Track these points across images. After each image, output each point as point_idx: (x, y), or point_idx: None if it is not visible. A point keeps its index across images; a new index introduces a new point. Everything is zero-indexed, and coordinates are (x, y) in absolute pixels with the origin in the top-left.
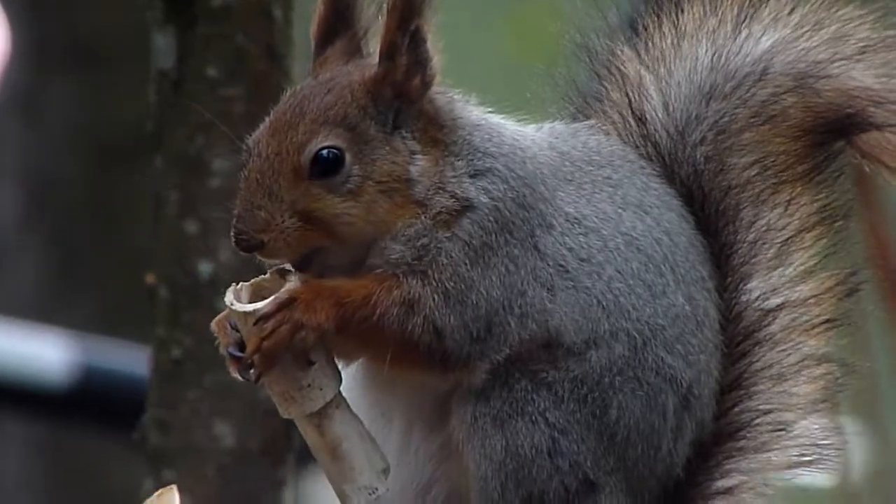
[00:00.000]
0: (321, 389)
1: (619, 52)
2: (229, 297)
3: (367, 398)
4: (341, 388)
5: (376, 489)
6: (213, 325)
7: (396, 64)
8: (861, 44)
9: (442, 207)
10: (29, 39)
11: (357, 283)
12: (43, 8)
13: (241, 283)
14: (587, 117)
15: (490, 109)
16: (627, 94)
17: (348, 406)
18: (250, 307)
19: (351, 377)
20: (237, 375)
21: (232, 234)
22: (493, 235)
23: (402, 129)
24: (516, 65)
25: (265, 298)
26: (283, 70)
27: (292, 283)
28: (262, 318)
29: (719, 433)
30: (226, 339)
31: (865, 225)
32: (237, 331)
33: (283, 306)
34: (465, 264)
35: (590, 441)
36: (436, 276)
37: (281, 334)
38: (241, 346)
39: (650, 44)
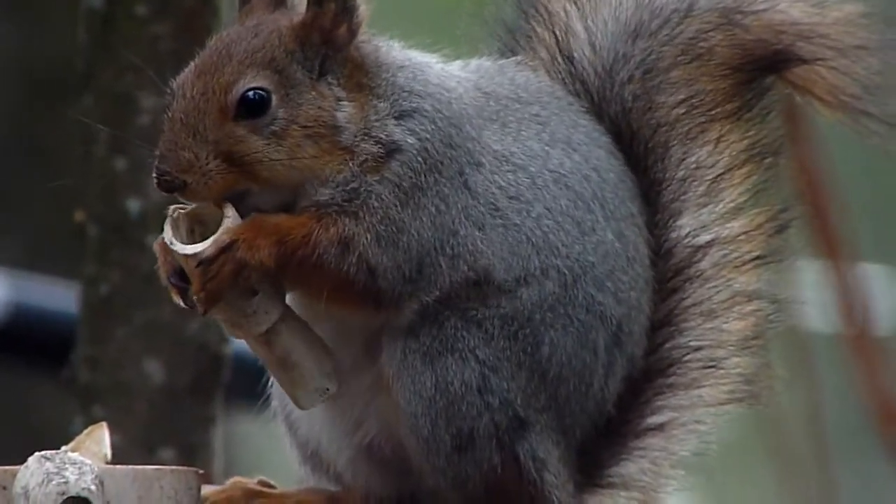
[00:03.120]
0: (266, 313)
1: None
2: (168, 232)
3: None
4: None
5: (327, 389)
6: (155, 246)
7: (324, 10)
8: None
9: (367, 154)
10: None
11: (297, 221)
12: None
13: (177, 212)
14: (515, 55)
15: (415, 49)
16: (554, 33)
17: (295, 316)
18: (190, 249)
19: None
20: (180, 302)
21: (154, 174)
22: (423, 176)
23: (328, 76)
24: (445, 6)
25: (204, 226)
26: (213, 8)
27: (230, 218)
28: (204, 261)
29: (650, 369)
30: (166, 267)
31: (795, 161)
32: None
33: (224, 249)
34: (396, 206)
35: (520, 378)
36: (367, 217)
37: (224, 275)
38: (180, 274)
39: None
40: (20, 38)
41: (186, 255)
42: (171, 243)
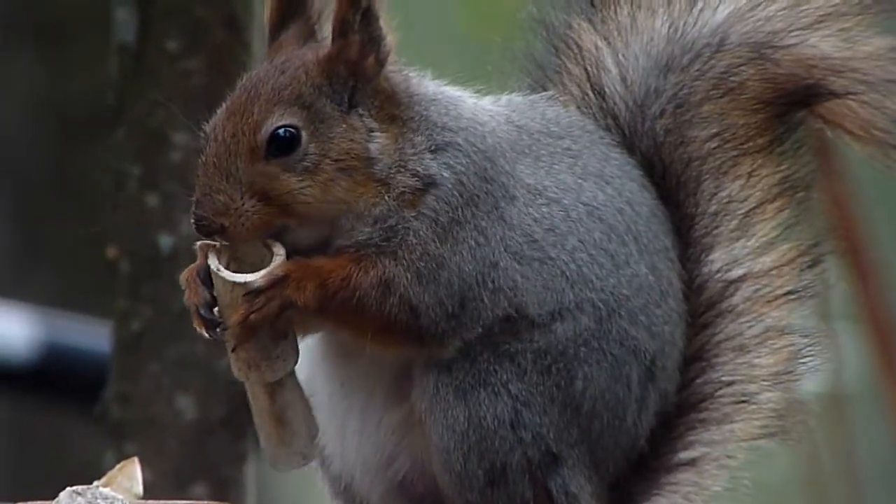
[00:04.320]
0: (285, 361)
1: (576, 25)
2: (214, 261)
3: (325, 369)
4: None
5: (306, 455)
6: (182, 277)
7: (350, 42)
8: (818, 12)
9: (404, 187)
10: None
11: (336, 263)
12: None
13: (219, 244)
14: (546, 90)
15: (446, 83)
16: (585, 68)
17: (295, 375)
18: (241, 278)
19: (306, 347)
20: (203, 332)
21: (192, 220)
22: (459, 210)
23: (358, 108)
24: (473, 42)
25: (238, 263)
26: (243, 42)
27: (280, 255)
28: (253, 292)
29: (682, 404)
30: (196, 298)
31: (827, 196)
32: (206, 287)
33: (276, 283)
34: (434, 241)
35: (553, 413)
36: (406, 256)
37: (270, 310)
38: (211, 306)
39: (606, 16)
40: (50, 75)
41: (235, 283)
42: (219, 270)
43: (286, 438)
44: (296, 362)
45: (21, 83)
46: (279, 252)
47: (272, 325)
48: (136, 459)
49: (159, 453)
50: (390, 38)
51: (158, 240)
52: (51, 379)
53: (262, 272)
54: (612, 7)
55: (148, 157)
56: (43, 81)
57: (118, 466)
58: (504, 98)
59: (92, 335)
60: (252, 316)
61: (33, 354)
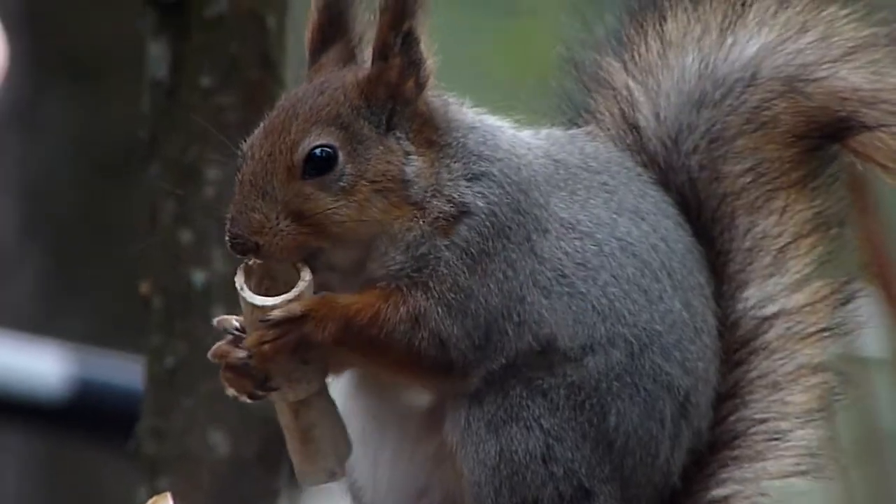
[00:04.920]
0: (308, 383)
1: (606, 65)
2: (240, 278)
3: (358, 402)
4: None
5: (335, 473)
6: (210, 355)
7: (390, 64)
8: (848, 44)
9: (440, 212)
10: (25, 51)
11: (364, 301)
12: (39, 20)
13: (253, 261)
14: (581, 126)
15: (485, 112)
16: (619, 105)
17: (328, 392)
18: (260, 300)
19: (343, 380)
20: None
21: (227, 237)
22: (490, 241)
23: (396, 130)
24: (508, 80)
25: (272, 281)
26: (277, 78)
27: (306, 283)
28: (269, 322)
29: (715, 441)
30: (233, 381)
31: (861, 232)
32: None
33: (293, 320)
34: (464, 273)
35: (585, 448)
36: (437, 287)
37: (284, 344)
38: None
39: (636, 55)
40: (87, 113)
41: (254, 305)
42: (241, 289)
43: (311, 456)
44: (321, 384)
45: (55, 120)
46: (305, 278)
47: (291, 355)
48: (168, 495)
49: (192, 489)
50: (430, 63)
51: (192, 275)
52: (84, 415)
53: (280, 299)
54: (642, 45)
55: (181, 192)
56: (77, 119)
57: (151, 501)
58: (544, 131)
59: (125, 371)
60: (264, 346)
61: (67, 391)
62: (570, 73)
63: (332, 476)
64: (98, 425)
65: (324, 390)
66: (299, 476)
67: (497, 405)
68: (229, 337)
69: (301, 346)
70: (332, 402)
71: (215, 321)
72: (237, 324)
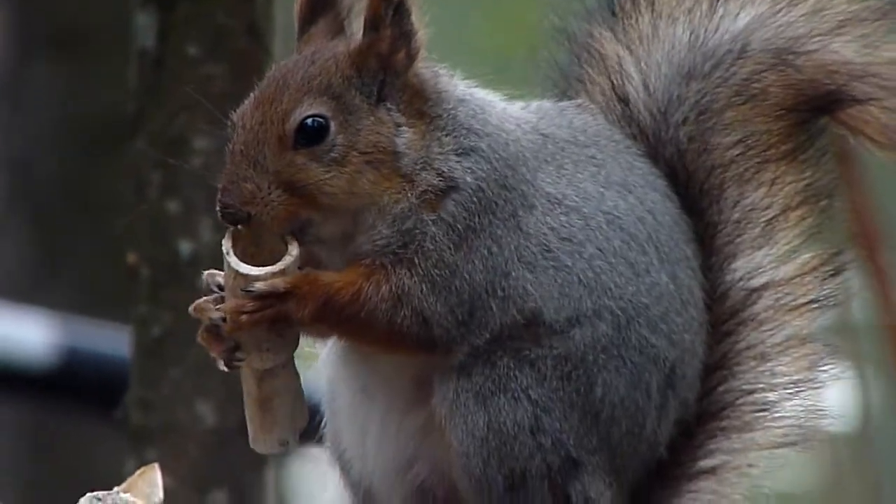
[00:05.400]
0: (276, 355)
1: (598, 35)
2: (227, 242)
3: (347, 375)
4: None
5: (287, 442)
6: (191, 309)
7: (381, 35)
8: (839, 17)
9: (428, 185)
10: (10, 22)
11: (346, 279)
12: None
13: (241, 226)
14: (572, 99)
15: (476, 85)
16: (609, 77)
17: (294, 363)
18: (244, 268)
19: (329, 350)
20: (211, 314)
21: (217, 207)
22: (477, 217)
23: (387, 101)
24: (499, 51)
25: (259, 250)
26: (265, 48)
27: (293, 258)
28: (251, 293)
29: (703, 413)
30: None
31: (849, 204)
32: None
33: (274, 294)
34: (450, 249)
35: (573, 419)
36: (422, 263)
37: (262, 317)
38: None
39: (628, 25)
40: (73, 85)
41: (238, 272)
42: (227, 253)
43: (267, 424)
44: (289, 357)
45: (41, 91)
46: (292, 252)
47: (267, 328)
48: (156, 465)
49: (179, 459)
50: (422, 34)
51: (179, 245)
52: (71, 383)
53: (266, 270)
54: (634, 16)
55: (168, 163)
56: (63, 89)
57: (138, 472)
58: (534, 104)
59: (112, 340)
60: (243, 316)
61: (53, 359)
62: (562, 44)
63: (284, 445)
64: (85, 394)
65: (290, 361)
66: (252, 442)
67: (485, 377)
68: (213, 295)
69: (279, 322)
70: (296, 374)
71: (204, 274)
72: (221, 281)
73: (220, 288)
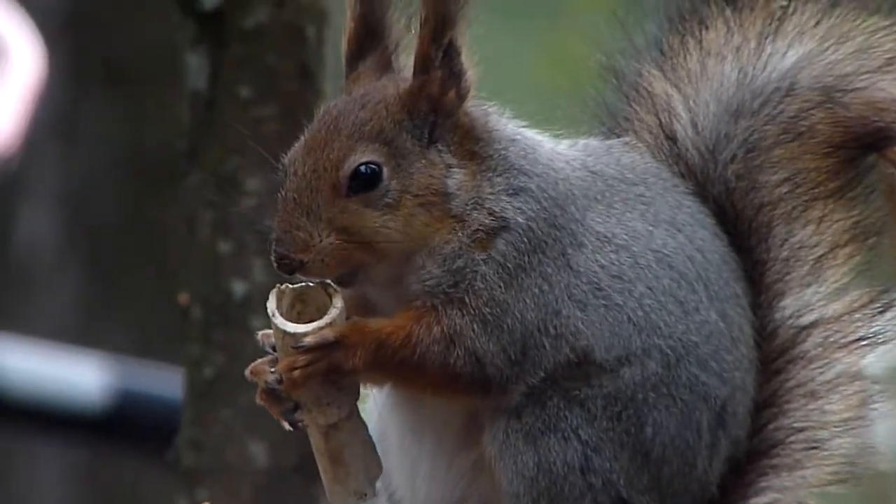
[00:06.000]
0: (338, 408)
1: (646, 73)
2: (272, 303)
3: (396, 416)
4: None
5: (365, 494)
6: (247, 373)
7: (431, 77)
8: (887, 55)
9: (480, 225)
10: (65, 61)
11: (395, 324)
12: (79, 29)
13: (285, 286)
14: (619, 137)
15: (525, 124)
16: (657, 115)
17: (359, 414)
18: (291, 327)
19: (380, 394)
20: (268, 378)
21: (272, 256)
22: (527, 256)
23: (438, 143)
24: (548, 90)
25: (306, 306)
26: (316, 89)
27: (338, 309)
28: (301, 348)
29: (753, 451)
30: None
31: None
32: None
33: (324, 346)
34: (500, 287)
35: (623, 459)
36: (473, 302)
37: (314, 371)
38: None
39: (676, 63)
40: (127, 123)
41: (286, 332)
42: (273, 315)
43: (341, 477)
44: (351, 406)
45: (95, 129)
46: (337, 304)
47: (322, 381)
48: None
49: (231, 500)
50: (471, 74)
51: (231, 286)
52: (124, 425)
53: (312, 326)
54: (682, 54)
55: (220, 203)
56: (117, 128)
57: None
58: (581, 142)
59: (165, 382)
60: (296, 372)
61: (107, 401)
62: (610, 82)
63: (362, 497)
64: (138, 436)
65: (354, 411)
66: (330, 496)
67: (535, 416)
68: (268, 356)
69: (333, 373)
70: (362, 423)
71: (258, 335)
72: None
73: (275, 349)
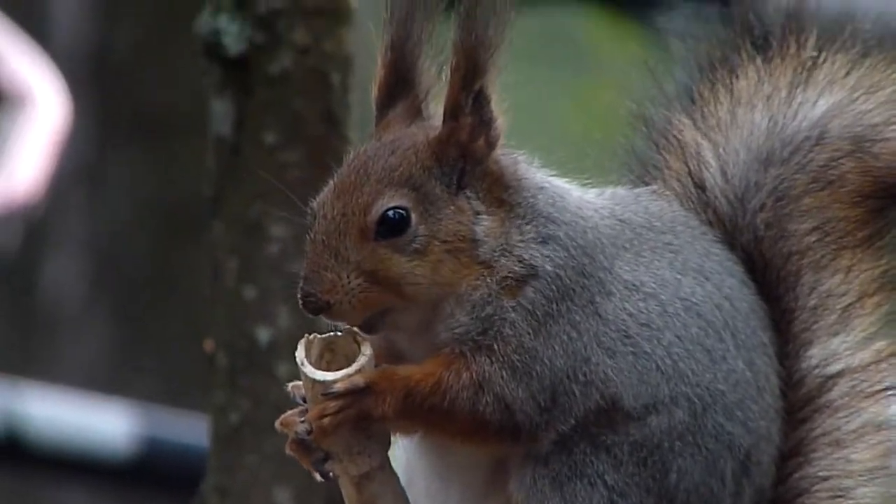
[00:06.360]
0: (370, 457)
1: (676, 121)
2: (300, 353)
3: (423, 461)
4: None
5: None
6: (277, 424)
7: (461, 124)
8: None
9: (509, 272)
10: (91, 110)
11: (425, 371)
12: (105, 79)
13: (313, 335)
14: (648, 185)
15: (553, 173)
16: (686, 163)
17: (391, 465)
18: (320, 375)
19: (408, 440)
20: (298, 428)
21: (299, 295)
22: (555, 304)
23: (466, 190)
24: (578, 138)
25: (335, 355)
26: (341, 135)
27: (367, 357)
28: (330, 395)
29: (778, 499)
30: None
31: None
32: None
33: (354, 392)
34: (529, 334)
35: None
36: (502, 349)
37: (344, 418)
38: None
39: (706, 112)
40: (154, 172)
41: (315, 381)
42: (302, 364)
43: None
44: (382, 456)
45: (122, 178)
46: (366, 352)
47: (352, 428)
48: None
49: None
50: (501, 121)
51: (256, 332)
52: (150, 473)
53: (342, 373)
54: (712, 102)
55: (245, 249)
56: (144, 176)
57: None
58: (609, 191)
59: (191, 429)
60: (325, 420)
61: (133, 448)
62: (640, 130)
63: None
64: (164, 483)
65: (386, 462)
66: None
67: (562, 462)
68: (298, 408)
69: (362, 420)
70: (394, 474)
71: (289, 387)
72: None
73: (305, 400)
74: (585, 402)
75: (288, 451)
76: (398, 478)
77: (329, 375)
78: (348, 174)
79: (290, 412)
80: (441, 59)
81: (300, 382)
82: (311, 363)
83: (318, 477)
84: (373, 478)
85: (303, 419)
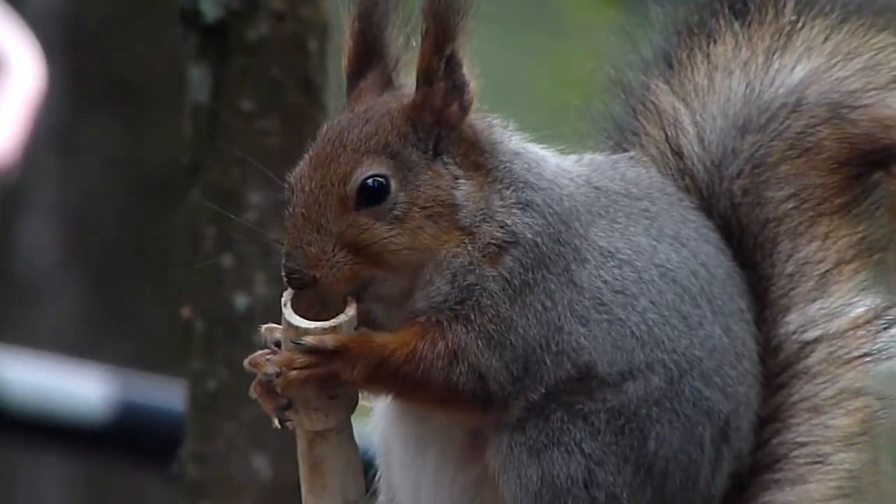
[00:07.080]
0: (327, 416)
1: (654, 87)
2: (287, 295)
3: (399, 429)
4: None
5: None
6: (247, 363)
7: (434, 89)
8: (895, 72)
9: (491, 238)
10: (66, 76)
11: (400, 340)
12: (80, 44)
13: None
14: (626, 151)
15: (529, 138)
16: (664, 129)
17: (351, 431)
18: (296, 321)
19: (384, 406)
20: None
21: (283, 273)
22: (531, 272)
23: (443, 155)
24: (554, 103)
25: (323, 307)
26: (319, 103)
27: (347, 318)
28: (301, 346)
29: (756, 465)
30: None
31: None
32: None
33: (322, 351)
34: (505, 304)
35: (626, 472)
36: (478, 319)
37: (310, 375)
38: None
39: (684, 77)
40: (128, 137)
41: (290, 324)
42: (284, 304)
43: (316, 489)
44: (341, 421)
45: (96, 143)
46: (349, 313)
47: (318, 386)
48: None
49: None
50: (473, 85)
51: (234, 300)
52: (126, 438)
53: (317, 325)
54: (690, 68)
55: (223, 217)
56: (118, 142)
57: None
58: (586, 157)
59: (167, 394)
60: (292, 372)
61: (109, 414)
62: (618, 96)
63: None
64: (140, 448)
65: (346, 429)
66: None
67: (539, 430)
68: (268, 349)
69: (329, 381)
70: (351, 443)
71: (262, 328)
72: (279, 337)
73: (277, 345)
74: (556, 371)
75: (252, 392)
76: (356, 449)
77: (304, 323)
78: (324, 146)
79: (260, 352)
80: (409, 29)
81: (274, 325)
82: (299, 311)
83: (276, 423)
84: (326, 438)
85: (272, 362)
